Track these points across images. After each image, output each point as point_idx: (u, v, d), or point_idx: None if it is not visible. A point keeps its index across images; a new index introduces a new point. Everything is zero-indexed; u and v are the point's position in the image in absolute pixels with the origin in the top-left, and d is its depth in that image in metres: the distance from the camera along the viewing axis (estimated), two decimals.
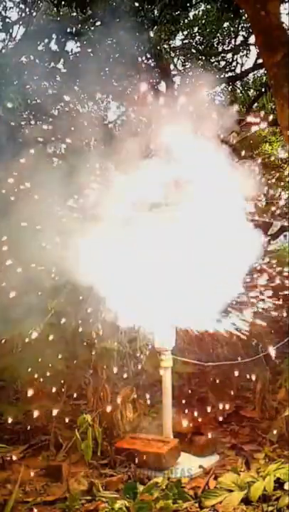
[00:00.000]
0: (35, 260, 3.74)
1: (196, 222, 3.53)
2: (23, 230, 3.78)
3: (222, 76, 7.41)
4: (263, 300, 4.11)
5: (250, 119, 4.44)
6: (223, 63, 7.73)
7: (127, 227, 3.53)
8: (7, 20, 6.56)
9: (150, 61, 6.33)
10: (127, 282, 3.47)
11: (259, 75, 7.91)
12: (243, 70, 7.77)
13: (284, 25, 4.02)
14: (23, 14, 6.57)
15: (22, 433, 3.94)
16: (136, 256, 3.51)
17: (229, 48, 7.48)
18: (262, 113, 4.98)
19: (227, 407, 4.38)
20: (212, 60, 7.46)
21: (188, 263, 3.50)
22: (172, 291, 3.53)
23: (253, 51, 7.43)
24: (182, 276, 3.50)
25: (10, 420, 3.89)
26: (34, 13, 6.50)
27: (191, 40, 7.17)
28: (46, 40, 6.41)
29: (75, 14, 5.82)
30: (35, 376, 3.90)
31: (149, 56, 6.22)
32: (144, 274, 3.50)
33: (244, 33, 7.37)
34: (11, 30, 6.57)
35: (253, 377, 4.30)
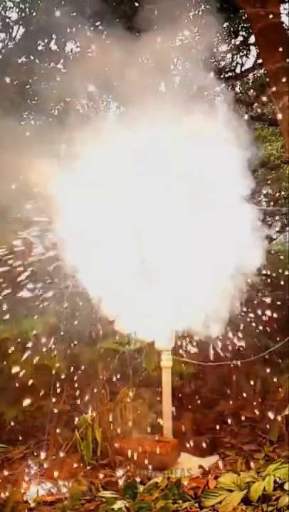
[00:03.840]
0: None
1: (196, 220, 3.53)
2: None
3: (222, 76, 7.41)
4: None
5: None
6: (223, 63, 7.72)
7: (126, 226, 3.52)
8: (7, 20, 6.56)
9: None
10: (126, 281, 3.47)
11: (259, 75, 7.91)
12: (243, 70, 7.77)
13: (284, 25, 4.02)
14: (23, 14, 6.56)
15: (22, 433, 3.94)
16: (136, 255, 3.51)
17: (229, 48, 7.47)
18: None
19: (227, 407, 4.38)
20: (212, 60, 7.45)
21: (189, 262, 3.50)
22: (173, 290, 3.53)
23: (253, 51, 7.43)
24: (183, 275, 3.50)
25: (10, 420, 3.89)
26: (34, 13, 6.49)
27: (191, 40, 7.15)
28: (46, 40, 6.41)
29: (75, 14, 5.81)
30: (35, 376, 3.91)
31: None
32: (145, 273, 3.50)
33: (244, 33, 7.36)
34: (11, 30, 6.56)
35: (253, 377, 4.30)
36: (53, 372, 3.95)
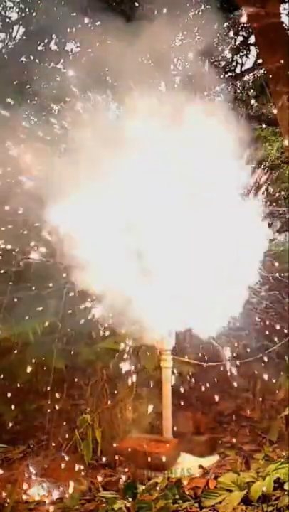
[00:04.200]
0: None
1: (196, 220, 3.53)
2: None
3: (222, 76, 7.40)
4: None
5: None
6: (223, 63, 7.71)
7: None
8: (7, 20, 6.57)
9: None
10: (126, 281, 3.47)
11: (259, 75, 7.91)
12: (243, 70, 7.77)
13: (284, 25, 4.02)
14: (23, 14, 6.56)
15: (22, 433, 3.94)
16: (135, 252, 3.50)
17: (229, 47, 7.47)
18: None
19: (227, 407, 4.38)
20: (212, 60, 7.44)
21: (189, 261, 3.50)
22: (173, 289, 3.52)
23: (253, 51, 7.43)
24: (183, 274, 3.50)
25: (10, 420, 3.90)
26: (34, 13, 6.49)
27: (191, 40, 7.14)
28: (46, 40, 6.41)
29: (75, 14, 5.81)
30: (35, 376, 3.91)
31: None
32: (144, 273, 3.50)
33: (244, 33, 7.36)
34: (11, 30, 6.56)
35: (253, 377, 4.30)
36: (53, 372, 3.96)
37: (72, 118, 3.88)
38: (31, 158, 3.59)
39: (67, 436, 3.68)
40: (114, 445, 3.66)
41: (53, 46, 6.48)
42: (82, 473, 3.45)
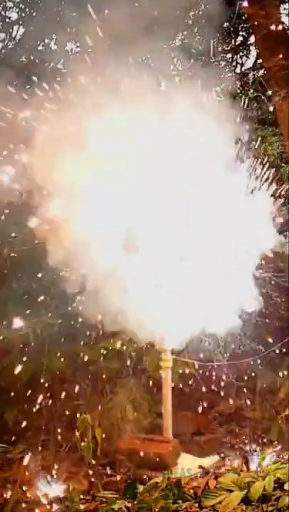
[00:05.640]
0: None
1: (196, 220, 3.53)
2: None
3: (222, 76, 7.39)
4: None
5: None
6: (223, 63, 7.70)
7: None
8: (7, 20, 6.57)
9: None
10: (127, 280, 3.46)
11: (259, 75, 7.90)
12: (243, 70, 7.76)
13: (284, 25, 4.03)
14: (23, 14, 6.56)
15: (22, 433, 3.94)
16: (137, 253, 3.50)
17: (229, 47, 7.46)
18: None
19: (227, 407, 4.38)
20: (212, 60, 7.43)
21: (189, 259, 3.50)
22: (175, 290, 3.52)
23: (253, 51, 7.43)
24: (184, 274, 3.50)
25: (10, 420, 3.90)
26: (34, 13, 6.49)
27: (191, 40, 7.14)
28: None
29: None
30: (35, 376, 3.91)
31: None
32: (146, 271, 3.50)
33: (244, 33, 7.35)
34: (11, 30, 6.56)
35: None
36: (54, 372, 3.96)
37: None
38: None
39: (67, 436, 3.69)
40: (114, 445, 3.66)
41: (53, 46, 6.48)
42: (82, 473, 3.45)
